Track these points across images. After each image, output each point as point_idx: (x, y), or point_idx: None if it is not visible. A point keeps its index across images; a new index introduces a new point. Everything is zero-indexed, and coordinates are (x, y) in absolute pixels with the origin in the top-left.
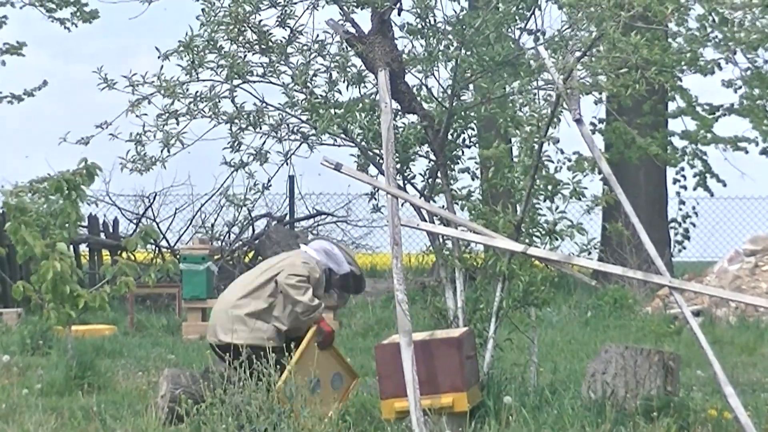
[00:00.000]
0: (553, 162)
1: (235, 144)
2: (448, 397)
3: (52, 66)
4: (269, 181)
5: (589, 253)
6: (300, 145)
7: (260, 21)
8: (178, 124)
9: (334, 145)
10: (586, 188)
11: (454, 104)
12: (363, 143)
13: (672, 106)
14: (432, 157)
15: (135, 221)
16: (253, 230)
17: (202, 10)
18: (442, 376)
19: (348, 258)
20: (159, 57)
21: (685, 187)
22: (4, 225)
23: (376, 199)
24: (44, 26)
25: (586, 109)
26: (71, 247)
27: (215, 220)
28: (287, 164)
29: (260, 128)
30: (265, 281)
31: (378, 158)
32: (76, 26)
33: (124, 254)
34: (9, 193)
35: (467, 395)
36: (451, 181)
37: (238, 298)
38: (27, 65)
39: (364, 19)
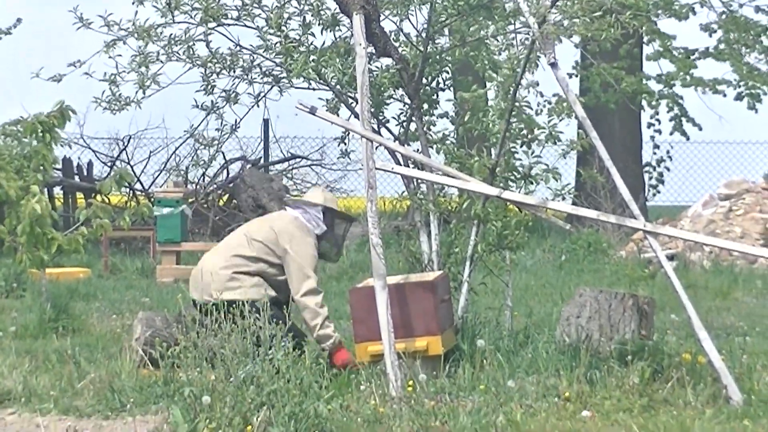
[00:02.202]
0: (530, 107)
1: (208, 87)
2: (423, 341)
3: (28, 9)
4: (237, 122)
5: (564, 198)
6: (271, 88)
7: None
8: (147, 69)
9: (308, 89)
10: (562, 132)
11: (429, 48)
12: (337, 87)
13: (647, 50)
14: (407, 100)
15: (109, 164)
16: (228, 173)
17: None
18: (416, 319)
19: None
20: (133, 3)
21: (659, 131)
22: None
23: (345, 143)
24: None
25: (567, 54)
26: (45, 189)
27: (190, 163)
28: (258, 107)
29: (233, 71)
30: (262, 247)
31: (352, 102)
32: None
33: (98, 197)
34: None
35: (441, 339)
36: (427, 125)
37: (228, 258)
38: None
39: None
